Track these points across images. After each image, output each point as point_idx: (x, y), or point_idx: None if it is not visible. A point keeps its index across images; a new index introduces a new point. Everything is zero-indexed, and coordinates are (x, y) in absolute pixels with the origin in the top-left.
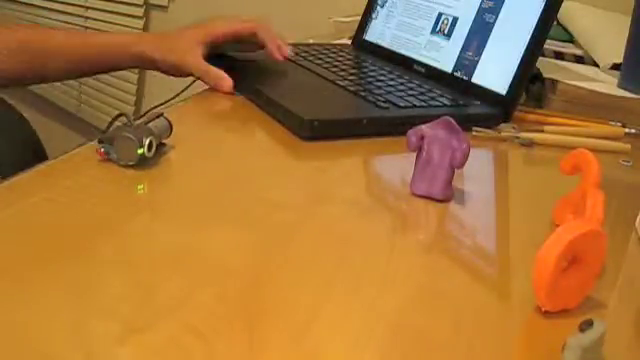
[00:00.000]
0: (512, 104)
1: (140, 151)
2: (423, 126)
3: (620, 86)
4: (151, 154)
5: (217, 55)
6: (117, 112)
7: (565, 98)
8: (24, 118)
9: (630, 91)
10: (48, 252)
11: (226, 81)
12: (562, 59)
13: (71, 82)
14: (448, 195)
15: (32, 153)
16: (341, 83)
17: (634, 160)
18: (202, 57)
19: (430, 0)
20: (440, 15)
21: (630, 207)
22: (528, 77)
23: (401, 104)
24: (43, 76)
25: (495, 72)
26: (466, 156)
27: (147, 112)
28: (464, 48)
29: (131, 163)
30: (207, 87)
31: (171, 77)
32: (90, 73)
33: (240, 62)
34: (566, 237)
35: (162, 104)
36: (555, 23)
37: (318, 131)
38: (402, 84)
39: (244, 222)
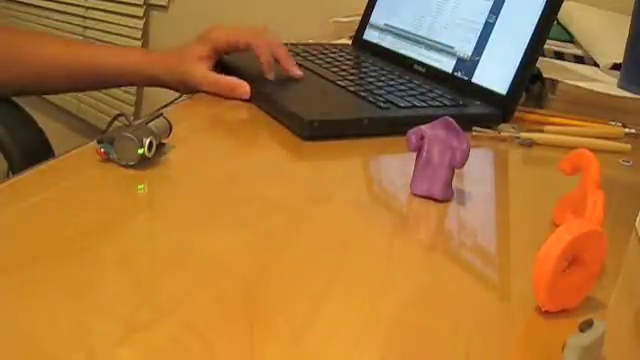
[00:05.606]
0: (512, 104)
1: (140, 151)
2: (423, 126)
3: (620, 86)
4: (151, 154)
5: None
6: (117, 112)
7: (565, 98)
8: (31, 117)
9: (630, 91)
10: (48, 252)
11: (241, 87)
12: (562, 59)
13: None
14: (448, 195)
15: (43, 153)
16: (341, 83)
17: (634, 160)
18: (210, 69)
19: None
20: None
21: (630, 207)
22: (528, 77)
23: (401, 104)
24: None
25: (495, 72)
26: (466, 156)
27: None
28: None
29: (131, 163)
30: None
31: None
32: (93, 89)
33: (239, 63)
34: (566, 237)
35: (164, 107)
36: (555, 23)
37: (318, 131)
38: (402, 84)
39: (244, 222)
